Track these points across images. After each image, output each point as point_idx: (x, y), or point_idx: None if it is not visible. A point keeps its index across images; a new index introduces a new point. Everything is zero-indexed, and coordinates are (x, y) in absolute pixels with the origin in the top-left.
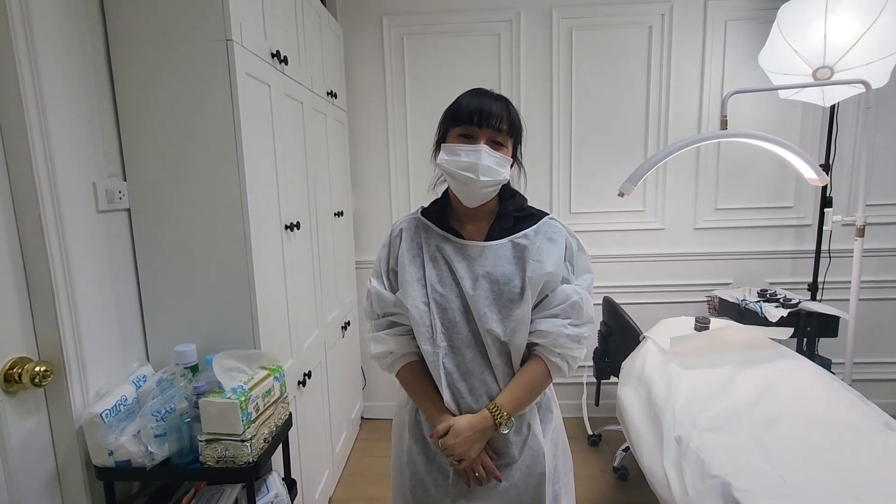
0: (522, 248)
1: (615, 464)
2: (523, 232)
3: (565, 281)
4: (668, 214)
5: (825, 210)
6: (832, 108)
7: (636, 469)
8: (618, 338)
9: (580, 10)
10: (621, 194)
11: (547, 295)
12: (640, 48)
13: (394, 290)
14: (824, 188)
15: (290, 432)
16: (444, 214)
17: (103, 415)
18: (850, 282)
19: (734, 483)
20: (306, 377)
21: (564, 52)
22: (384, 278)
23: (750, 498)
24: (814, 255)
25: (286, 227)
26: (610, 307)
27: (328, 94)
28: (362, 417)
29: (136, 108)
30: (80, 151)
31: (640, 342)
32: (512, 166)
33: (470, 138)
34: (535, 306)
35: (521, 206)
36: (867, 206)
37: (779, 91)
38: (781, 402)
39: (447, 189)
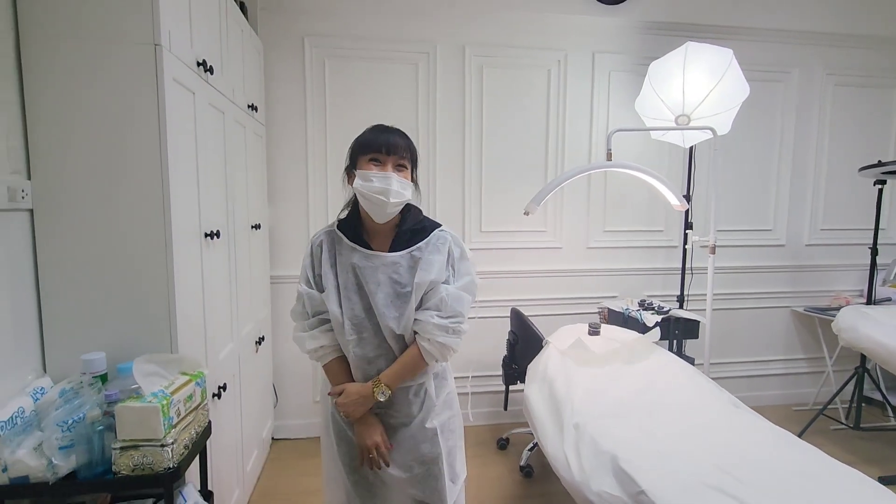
0: (416, 259)
1: (521, 463)
2: (417, 245)
3: (446, 283)
4: (565, 235)
5: (687, 233)
6: (691, 148)
7: (540, 466)
8: (523, 345)
9: (489, 49)
10: (526, 213)
11: (427, 294)
12: (540, 88)
13: (320, 291)
14: (687, 214)
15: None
16: (357, 229)
17: None
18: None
19: (620, 455)
20: (221, 389)
21: (476, 86)
22: (311, 282)
23: (633, 466)
24: (680, 271)
25: (206, 235)
26: (517, 317)
27: (249, 106)
28: (273, 438)
29: (50, 104)
30: None
31: (542, 347)
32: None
33: (379, 163)
34: (419, 305)
35: (417, 219)
36: (719, 230)
37: (650, 132)
38: (658, 393)
39: (359, 206)
